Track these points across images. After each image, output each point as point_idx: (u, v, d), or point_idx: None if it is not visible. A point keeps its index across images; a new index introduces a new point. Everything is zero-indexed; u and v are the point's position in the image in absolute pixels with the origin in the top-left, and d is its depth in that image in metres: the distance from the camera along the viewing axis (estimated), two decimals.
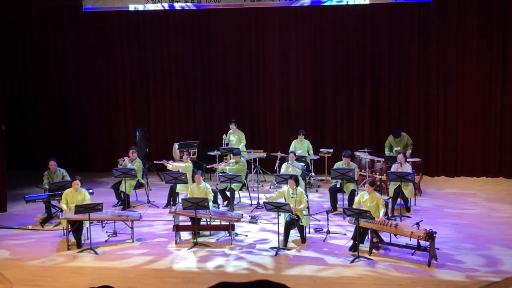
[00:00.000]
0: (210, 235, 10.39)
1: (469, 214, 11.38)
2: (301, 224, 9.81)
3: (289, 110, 15.04)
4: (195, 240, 9.90)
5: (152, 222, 11.23)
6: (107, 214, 10.29)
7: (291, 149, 13.35)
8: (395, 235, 9.37)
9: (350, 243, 9.56)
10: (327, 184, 13.21)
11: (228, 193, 11.83)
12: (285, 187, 10.34)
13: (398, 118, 14.41)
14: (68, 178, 11.50)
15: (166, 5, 14.13)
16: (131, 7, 14.12)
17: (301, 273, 8.68)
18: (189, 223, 10.32)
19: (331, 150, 13.73)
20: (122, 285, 8.35)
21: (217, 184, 12.19)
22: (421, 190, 12.82)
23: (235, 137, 14.00)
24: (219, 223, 10.35)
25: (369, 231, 9.39)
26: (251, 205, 12.21)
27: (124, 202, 11.87)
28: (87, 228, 9.93)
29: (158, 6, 14.35)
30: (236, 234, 10.21)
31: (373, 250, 9.30)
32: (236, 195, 12.18)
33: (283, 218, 9.74)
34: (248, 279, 2.34)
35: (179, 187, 11.77)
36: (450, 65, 14.13)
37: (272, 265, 9.00)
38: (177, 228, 10.04)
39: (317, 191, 13.29)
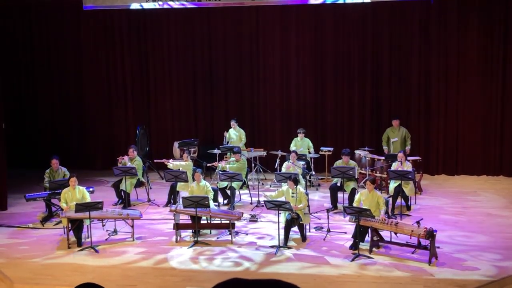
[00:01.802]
0: (210, 233, 10.40)
1: (469, 213, 11.38)
2: (301, 222, 9.82)
3: (289, 108, 15.04)
4: (195, 239, 9.90)
5: (153, 220, 11.23)
6: (107, 212, 10.29)
7: (291, 147, 13.35)
8: (396, 233, 9.37)
9: (351, 241, 9.56)
10: (328, 182, 13.21)
11: (228, 192, 11.83)
12: (285, 186, 10.34)
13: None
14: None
15: (166, 4, 14.16)
16: (131, 6, 14.12)
17: (301, 271, 8.68)
18: (190, 222, 10.33)
19: (331, 149, 13.72)
20: (122, 284, 8.36)
21: (217, 183, 12.19)
22: (421, 188, 12.82)
23: (236, 135, 14.00)
24: (219, 222, 10.37)
25: (369, 230, 9.39)
26: (251, 203, 12.21)
27: (124, 200, 11.88)
28: (87, 226, 9.93)
29: (157, 5, 14.39)
30: (237, 233, 10.22)
31: (374, 249, 9.30)
32: (237, 193, 12.18)
33: (283, 216, 9.75)
34: (249, 277, 2.34)
35: (180, 186, 11.78)
36: (451, 63, 14.12)
37: (273, 264, 8.99)
38: (178, 227, 10.04)
39: (317, 189, 13.29)
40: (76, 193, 10.21)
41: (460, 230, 10.34)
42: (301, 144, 13.51)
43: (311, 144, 13.61)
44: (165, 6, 14.58)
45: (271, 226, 10.64)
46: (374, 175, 12.41)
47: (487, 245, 9.57)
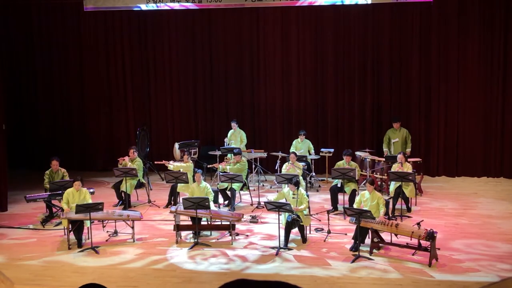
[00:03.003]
0: (210, 234, 10.40)
1: (470, 214, 11.38)
2: (301, 224, 9.81)
3: (290, 109, 15.04)
4: (195, 240, 9.91)
5: (153, 221, 11.23)
6: (108, 213, 10.30)
7: (292, 149, 13.36)
8: (396, 235, 9.37)
9: (351, 243, 9.56)
10: (328, 184, 13.20)
11: (228, 193, 11.82)
12: (285, 188, 10.33)
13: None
14: (67, 177, 11.51)
15: (167, 5, 14.17)
16: (132, 7, 14.13)
17: (302, 273, 8.68)
18: (190, 223, 10.33)
19: (332, 150, 13.73)
20: (122, 285, 8.36)
21: (218, 184, 12.19)
22: (422, 190, 12.81)
23: (236, 136, 14.00)
24: (219, 223, 10.36)
25: (369, 231, 9.39)
26: (251, 205, 12.21)
27: (125, 201, 11.88)
28: (88, 227, 9.94)
29: (159, 6, 14.42)
30: (237, 234, 10.21)
31: (374, 250, 9.30)
32: (237, 195, 12.17)
33: (284, 218, 9.75)
34: (250, 278, 2.34)
35: (180, 187, 11.77)
36: (451, 64, 14.12)
37: (273, 265, 8.99)
38: (178, 228, 10.04)
39: (317, 191, 13.29)
40: (79, 194, 10.22)
41: (461, 232, 10.33)
42: (301, 146, 13.52)
43: (311, 146, 13.62)
44: (166, 8, 14.59)
45: (271, 227, 10.64)
46: (375, 177, 12.42)
47: (487, 247, 9.57)
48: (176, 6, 14.56)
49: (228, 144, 13.86)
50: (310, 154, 13.53)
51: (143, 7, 14.58)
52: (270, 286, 2.27)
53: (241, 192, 12.56)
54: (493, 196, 12.66)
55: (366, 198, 9.79)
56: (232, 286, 2.29)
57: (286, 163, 12.22)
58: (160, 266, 9.05)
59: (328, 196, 11.91)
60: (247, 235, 10.32)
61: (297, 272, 8.73)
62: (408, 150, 13.26)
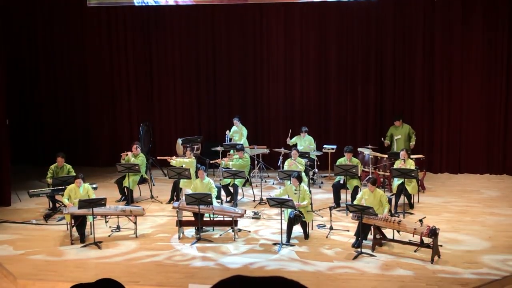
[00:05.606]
0: (213, 230, 10.42)
1: (472, 211, 11.36)
2: (304, 220, 9.82)
3: (293, 106, 15.02)
4: (198, 236, 9.92)
5: (156, 217, 11.25)
6: (110, 209, 10.32)
7: (292, 142, 13.41)
8: (398, 231, 9.37)
9: (353, 239, 9.56)
10: (331, 180, 13.20)
11: (231, 189, 11.83)
12: (288, 184, 10.33)
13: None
14: (73, 173, 11.52)
15: (170, 0, 14.16)
16: (135, 2, 14.12)
17: (304, 269, 8.70)
18: (192, 219, 10.34)
19: (334, 147, 13.72)
20: (125, 280, 8.38)
21: (220, 180, 12.20)
22: (424, 186, 12.80)
23: (237, 133, 14.01)
24: (222, 219, 10.38)
25: (372, 228, 9.39)
26: (254, 201, 12.22)
27: (127, 197, 11.90)
28: (90, 223, 9.96)
29: (162, 1, 14.42)
30: (239, 230, 10.23)
31: (376, 247, 9.30)
32: (239, 191, 12.18)
33: (286, 214, 9.76)
34: (251, 274, 2.35)
35: (183, 183, 11.78)
36: (455, 61, 14.08)
37: (275, 261, 9.01)
38: (180, 224, 10.06)
39: (320, 187, 13.29)
40: (81, 190, 10.24)
41: (463, 229, 10.31)
42: (303, 142, 13.51)
43: (313, 141, 13.58)
44: (169, 4, 14.57)
45: (273, 223, 10.65)
46: (377, 173, 12.41)
47: (490, 244, 9.56)
48: (179, 0, 14.54)
49: (230, 139, 13.87)
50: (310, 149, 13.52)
51: (145, 2, 14.56)
52: (266, 281, 2.27)
53: (244, 188, 12.57)
54: (496, 193, 12.63)
55: (368, 196, 9.78)
56: (228, 282, 2.28)
57: (289, 159, 12.21)
58: (162, 262, 9.07)
59: (331, 193, 11.91)
60: (249, 231, 10.33)
61: (298, 268, 8.74)
62: (412, 143, 13.27)
